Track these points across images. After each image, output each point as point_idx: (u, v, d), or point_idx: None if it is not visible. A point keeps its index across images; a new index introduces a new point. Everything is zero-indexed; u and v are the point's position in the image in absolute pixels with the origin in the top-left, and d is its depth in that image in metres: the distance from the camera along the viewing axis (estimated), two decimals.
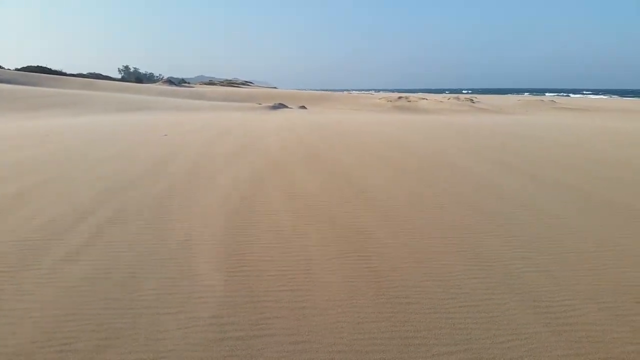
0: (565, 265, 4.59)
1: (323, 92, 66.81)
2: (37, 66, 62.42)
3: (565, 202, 6.96)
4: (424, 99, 56.30)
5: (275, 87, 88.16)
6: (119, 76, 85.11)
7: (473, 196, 7.22)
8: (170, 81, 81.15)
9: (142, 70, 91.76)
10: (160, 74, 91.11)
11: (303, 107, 41.41)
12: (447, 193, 7.40)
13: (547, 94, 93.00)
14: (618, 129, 20.24)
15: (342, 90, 79.68)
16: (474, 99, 59.08)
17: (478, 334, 3.40)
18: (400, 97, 56.48)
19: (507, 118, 30.74)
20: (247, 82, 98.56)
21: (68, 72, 65.29)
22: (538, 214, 6.28)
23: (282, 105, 39.33)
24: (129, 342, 3.25)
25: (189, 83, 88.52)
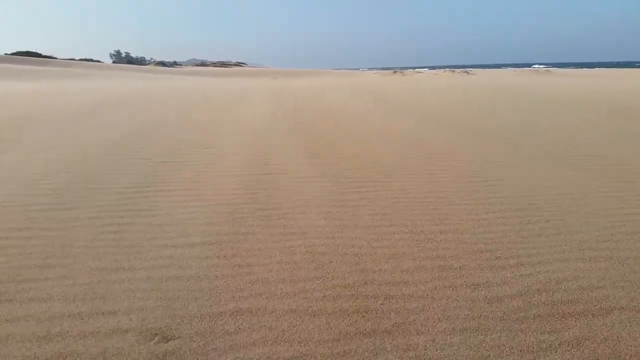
0: None
1: (313, 69, 66.72)
2: (27, 51, 61.49)
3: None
4: (419, 72, 56.51)
5: (268, 67, 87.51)
6: (111, 61, 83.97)
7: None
8: (163, 63, 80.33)
9: (133, 55, 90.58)
10: (152, 58, 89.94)
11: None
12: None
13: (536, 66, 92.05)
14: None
15: (338, 69, 79.79)
16: (468, 71, 59.13)
17: None
18: (395, 72, 56.59)
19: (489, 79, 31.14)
20: (240, 62, 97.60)
21: (59, 57, 64.31)
22: None
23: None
24: None
25: (180, 65, 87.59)
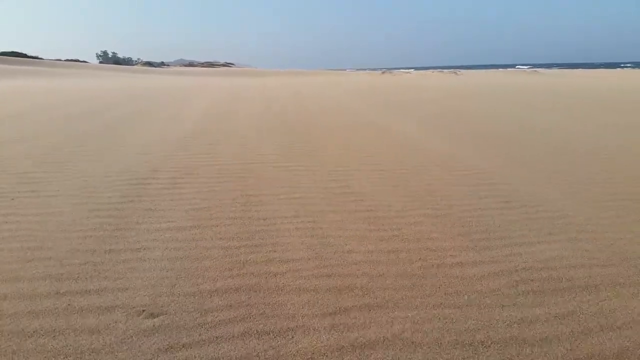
0: None
1: (301, 70, 67.21)
2: (12, 52, 60.41)
3: None
4: (408, 72, 56.94)
5: (256, 68, 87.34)
6: (97, 61, 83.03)
7: None
8: (150, 64, 79.66)
9: (120, 55, 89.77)
10: (139, 58, 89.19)
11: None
12: None
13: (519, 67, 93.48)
14: None
15: (326, 70, 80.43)
16: (457, 72, 59.67)
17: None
18: (384, 72, 56.89)
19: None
20: (228, 63, 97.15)
21: (45, 57, 63.34)
22: None
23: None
24: None
25: (168, 65, 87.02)
